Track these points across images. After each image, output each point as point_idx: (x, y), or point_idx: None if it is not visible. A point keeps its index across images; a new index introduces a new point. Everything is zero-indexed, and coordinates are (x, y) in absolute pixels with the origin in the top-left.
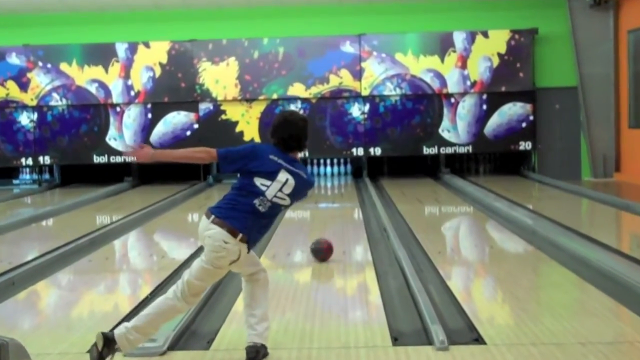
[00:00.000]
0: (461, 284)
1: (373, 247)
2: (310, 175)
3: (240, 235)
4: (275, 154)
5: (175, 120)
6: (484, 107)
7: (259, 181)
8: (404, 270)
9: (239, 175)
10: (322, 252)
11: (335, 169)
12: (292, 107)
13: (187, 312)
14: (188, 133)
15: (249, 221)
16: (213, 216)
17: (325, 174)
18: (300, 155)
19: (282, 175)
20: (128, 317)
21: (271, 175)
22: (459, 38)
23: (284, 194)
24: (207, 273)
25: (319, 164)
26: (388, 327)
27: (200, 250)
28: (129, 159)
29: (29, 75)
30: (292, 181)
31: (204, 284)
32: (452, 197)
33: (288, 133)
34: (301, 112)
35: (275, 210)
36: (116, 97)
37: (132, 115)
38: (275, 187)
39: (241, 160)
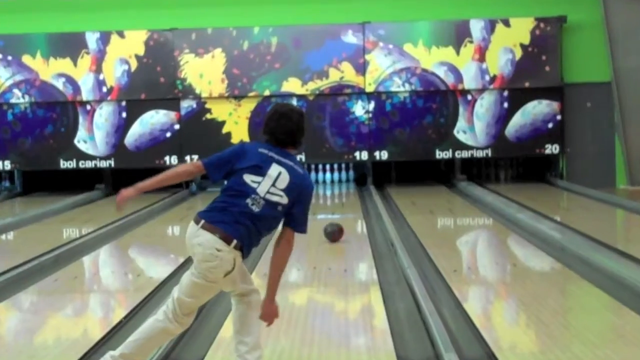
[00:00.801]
0: (479, 306)
1: (379, 265)
2: (308, 174)
3: (235, 241)
4: (266, 147)
5: (154, 120)
6: (505, 105)
7: (249, 178)
8: (414, 291)
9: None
10: (337, 232)
11: (336, 175)
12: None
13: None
14: (168, 134)
15: (242, 225)
16: (202, 221)
17: (324, 181)
18: (296, 153)
19: (274, 169)
20: (100, 344)
21: (261, 170)
22: (476, 27)
23: (278, 189)
24: (199, 288)
25: (317, 170)
26: (396, 356)
27: (185, 264)
28: (101, 163)
29: None
30: (285, 175)
31: (197, 301)
32: (469, 208)
33: (280, 127)
34: None
35: (272, 210)
36: (86, 93)
37: (105, 114)
38: (267, 182)
39: (229, 164)
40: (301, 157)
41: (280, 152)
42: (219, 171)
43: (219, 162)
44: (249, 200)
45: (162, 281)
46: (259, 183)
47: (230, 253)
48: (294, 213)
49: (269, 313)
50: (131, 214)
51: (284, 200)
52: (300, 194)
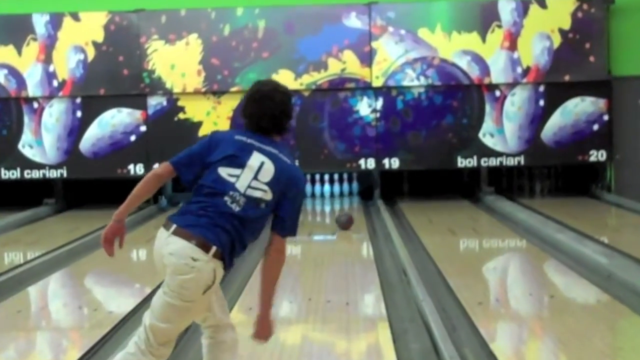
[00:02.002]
0: (510, 347)
1: (388, 296)
2: (295, 163)
3: (214, 248)
4: (244, 134)
5: (115, 120)
6: (541, 103)
7: (225, 171)
8: (431, 329)
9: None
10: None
11: (336, 187)
12: None
13: None
14: (132, 138)
15: (222, 228)
16: (174, 226)
17: (322, 195)
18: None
19: (255, 158)
20: None
21: (239, 160)
22: (506, 8)
23: (261, 182)
24: (174, 310)
25: (313, 181)
26: None
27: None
28: (51, 173)
29: None
30: (270, 165)
31: (174, 328)
32: (498, 227)
33: (262, 111)
34: None
35: (255, 209)
36: (33, 88)
37: (55, 114)
38: (248, 175)
39: (200, 158)
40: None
41: (263, 139)
42: (190, 170)
43: (189, 159)
44: (227, 199)
45: (124, 317)
46: (237, 177)
47: (209, 263)
48: (281, 213)
49: (264, 330)
50: (87, 235)
51: (268, 195)
52: (287, 189)
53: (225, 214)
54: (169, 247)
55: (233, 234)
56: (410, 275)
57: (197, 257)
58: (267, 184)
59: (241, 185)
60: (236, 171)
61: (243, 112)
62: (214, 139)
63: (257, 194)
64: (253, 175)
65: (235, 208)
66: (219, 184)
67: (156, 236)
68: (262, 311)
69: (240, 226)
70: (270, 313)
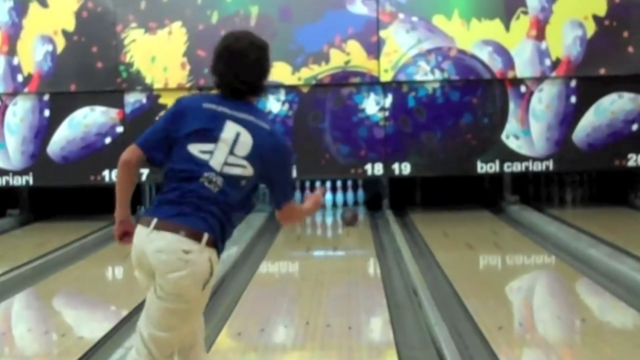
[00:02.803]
0: None
1: (396, 320)
2: (278, 130)
3: (206, 235)
4: (214, 100)
5: (88, 119)
6: (573, 99)
7: (195, 148)
8: (444, 357)
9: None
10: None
11: (340, 196)
12: (272, 98)
13: None
14: (107, 140)
15: (209, 213)
16: (155, 219)
17: (323, 205)
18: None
19: (229, 129)
20: None
21: (211, 133)
22: None
23: (239, 157)
24: (174, 315)
25: (312, 189)
26: None
27: (131, 319)
28: (15, 180)
29: None
30: (246, 136)
31: (177, 334)
32: (523, 241)
33: (234, 70)
34: (286, 106)
35: (236, 189)
36: None
37: (20, 113)
38: (222, 150)
39: (167, 134)
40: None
41: (236, 105)
42: (160, 149)
43: (156, 136)
44: (202, 180)
45: (96, 343)
46: (210, 153)
47: (203, 252)
48: (272, 188)
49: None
50: (55, 250)
51: (248, 171)
52: (271, 161)
53: (206, 199)
54: (155, 244)
55: (221, 216)
56: (422, 296)
57: (188, 248)
58: (246, 158)
59: (216, 162)
60: (208, 146)
61: (212, 70)
62: (179, 109)
63: (236, 171)
64: (228, 150)
65: (214, 189)
66: (192, 165)
67: (134, 238)
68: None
69: (226, 208)
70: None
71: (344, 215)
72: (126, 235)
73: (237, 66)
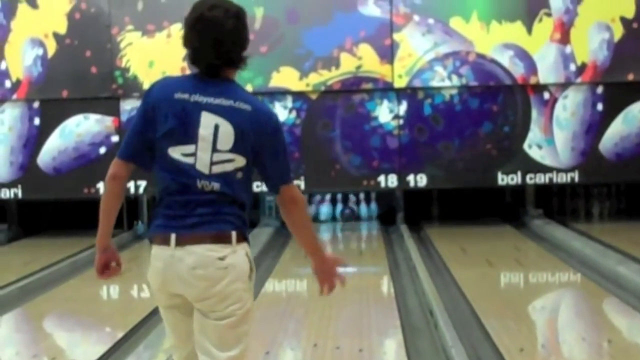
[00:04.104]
0: None
1: (411, 342)
2: (262, 103)
3: (234, 233)
4: (186, 86)
5: (81, 128)
6: (600, 107)
7: (176, 152)
8: None
9: None
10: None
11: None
12: (279, 105)
13: None
14: (102, 150)
15: (224, 214)
16: (174, 235)
17: (333, 219)
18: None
19: (206, 125)
20: None
21: (187, 132)
22: None
23: (224, 152)
24: (237, 324)
25: (322, 202)
26: None
27: (125, 341)
28: (2, 193)
29: None
30: (226, 126)
31: (246, 343)
32: (546, 258)
33: (205, 42)
34: (293, 113)
35: (234, 183)
36: None
37: (8, 121)
38: (204, 149)
39: (146, 138)
40: (298, 182)
41: (212, 88)
42: (145, 154)
43: (136, 143)
44: (198, 188)
45: None
46: (193, 155)
47: (238, 251)
48: (267, 172)
49: (327, 272)
50: (45, 268)
51: (240, 162)
52: (257, 142)
53: (211, 203)
54: (186, 262)
55: (235, 210)
56: (439, 316)
57: (223, 254)
58: (232, 150)
59: (202, 164)
60: (189, 148)
61: (184, 43)
62: (150, 105)
63: (226, 167)
64: (211, 148)
65: (214, 194)
66: (180, 174)
67: (154, 261)
68: (314, 255)
69: (234, 201)
70: (323, 257)
71: (343, 213)
72: (107, 268)
73: (212, 37)
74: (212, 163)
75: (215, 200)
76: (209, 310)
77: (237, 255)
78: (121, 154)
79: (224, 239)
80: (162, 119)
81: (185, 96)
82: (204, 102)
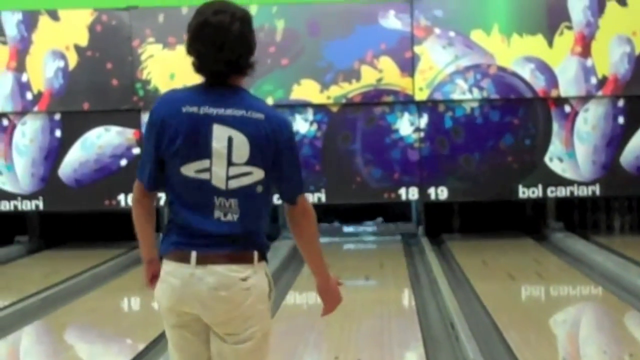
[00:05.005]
0: None
1: (432, 355)
2: (275, 110)
3: (255, 253)
4: (194, 98)
5: (103, 140)
6: (621, 120)
7: (190, 170)
8: None
9: None
10: None
11: (371, 222)
12: (299, 117)
13: None
14: (123, 162)
15: (242, 232)
16: (194, 253)
17: (355, 232)
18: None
19: (219, 138)
20: None
21: (200, 147)
22: (577, 6)
23: (240, 165)
24: (259, 346)
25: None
26: None
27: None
28: (24, 205)
29: None
30: (240, 138)
31: None
32: (567, 271)
33: (210, 48)
34: (314, 126)
35: (254, 197)
36: (2, 102)
37: (30, 133)
38: (219, 164)
39: (158, 157)
40: (319, 195)
41: (221, 98)
42: (162, 176)
43: (157, 168)
44: (216, 211)
45: None
46: (208, 170)
47: (258, 271)
48: (281, 182)
49: (330, 292)
50: (67, 280)
51: (259, 175)
52: (273, 152)
53: (233, 220)
54: (207, 282)
55: (255, 227)
56: (460, 329)
57: (245, 275)
58: (248, 163)
59: (218, 180)
60: (203, 163)
61: (187, 50)
62: (158, 122)
63: (244, 181)
64: (226, 162)
65: (234, 217)
66: (196, 192)
67: (166, 277)
68: (318, 274)
69: (255, 217)
70: (328, 276)
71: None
72: (156, 279)
73: (218, 43)
74: (228, 178)
75: (235, 218)
76: (227, 333)
77: (258, 276)
78: (145, 184)
79: (246, 259)
80: (172, 136)
81: (194, 109)
82: (214, 113)
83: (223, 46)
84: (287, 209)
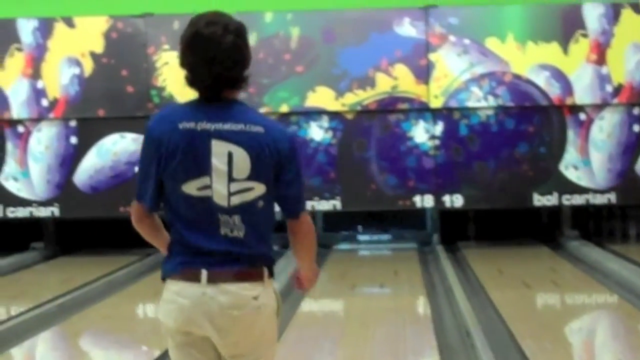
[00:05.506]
0: None
1: None
2: (275, 122)
3: (265, 270)
4: (190, 114)
5: (118, 147)
6: (636, 128)
7: (191, 188)
8: None
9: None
10: None
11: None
12: (314, 124)
13: None
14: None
15: (247, 248)
16: (205, 271)
17: (370, 240)
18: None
19: (218, 154)
20: None
21: (199, 164)
22: (592, 14)
23: (241, 180)
24: None
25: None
26: None
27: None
28: (40, 211)
29: None
30: (240, 152)
31: None
32: (583, 279)
33: (202, 61)
34: (329, 133)
35: (257, 212)
36: (17, 109)
37: (45, 140)
38: (220, 181)
39: (157, 176)
40: (334, 202)
41: (218, 113)
42: (160, 196)
43: (156, 188)
44: (221, 223)
45: None
46: (209, 187)
47: (268, 288)
48: (282, 194)
49: (308, 277)
50: (82, 286)
51: (260, 189)
52: (278, 165)
53: (238, 237)
54: (219, 302)
55: (261, 243)
56: (475, 337)
57: (256, 293)
58: (250, 178)
59: (220, 197)
60: (204, 180)
61: (180, 62)
62: (154, 138)
63: (246, 197)
64: (227, 179)
65: (239, 233)
66: (198, 211)
67: (173, 297)
68: (304, 263)
69: (259, 232)
70: (314, 266)
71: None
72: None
73: (209, 56)
74: (230, 194)
75: (240, 234)
76: (235, 355)
77: (267, 293)
78: (147, 205)
79: (257, 277)
80: (171, 154)
81: (191, 125)
82: (212, 129)
83: (214, 59)
84: (289, 224)
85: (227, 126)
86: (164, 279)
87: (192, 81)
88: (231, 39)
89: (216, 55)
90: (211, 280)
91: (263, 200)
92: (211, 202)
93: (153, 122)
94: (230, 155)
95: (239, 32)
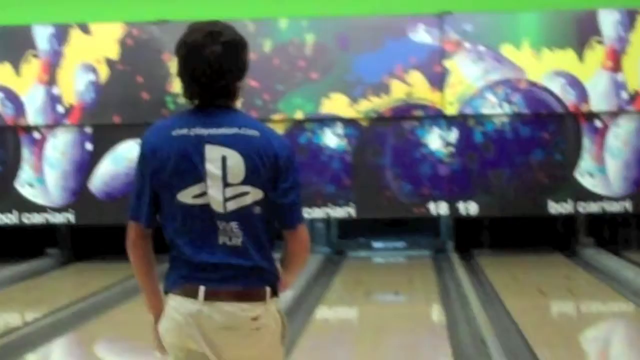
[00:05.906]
0: None
1: None
2: (272, 129)
3: (267, 289)
4: (183, 122)
5: (132, 154)
6: None
7: (186, 196)
8: None
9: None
10: None
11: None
12: (329, 131)
13: None
14: None
15: (249, 261)
16: (202, 288)
17: (384, 247)
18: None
19: (212, 160)
20: None
21: (193, 171)
22: (608, 20)
23: (236, 185)
24: None
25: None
26: None
27: None
28: (55, 218)
29: None
30: (234, 156)
31: None
32: (598, 287)
33: (198, 72)
34: (344, 140)
35: (255, 218)
36: (33, 115)
37: (61, 146)
38: (215, 187)
39: (153, 190)
40: (348, 209)
41: (209, 118)
42: (156, 213)
43: (148, 202)
44: (220, 231)
45: None
46: (205, 194)
47: (270, 308)
48: (279, 204)
49: (286, 285)
50: (97, 292)
51: (257, 194)
52: (273, 172)
53: (238, 249)
54: (215, 321)
55: (262, 255)
56: (490, 346)
57: (256, 314)
58: (245, 182)
59: (216, 203)
60: (198, 188)
61: (178, 73)
62: (149, 151)
63: (242, 201)
64: (222, 184)
65: (237, 241)
66: (196, 220)
67: (171, 312)
68: (287, 277)
69: (260, 241)
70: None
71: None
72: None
73: (197, 66)
74: (225, 199)
75: (239, 242)
76: None
77: (269, 314)
78: (144, 223)
79: (258, 297)
80: (164, 161)
81: (184, 131)
82: (205, 134)
83: (195, 70)
84: (285, 235)
85: (221, 131)
86: (166, 292)
87: (184, 92)
88: (217, 49)
89: (199, 65)
90: (208, 297)
91: (260, 206)
92: (207, 210)
93: (147, 134)
94: (224, 159)
95: (234, 42)
